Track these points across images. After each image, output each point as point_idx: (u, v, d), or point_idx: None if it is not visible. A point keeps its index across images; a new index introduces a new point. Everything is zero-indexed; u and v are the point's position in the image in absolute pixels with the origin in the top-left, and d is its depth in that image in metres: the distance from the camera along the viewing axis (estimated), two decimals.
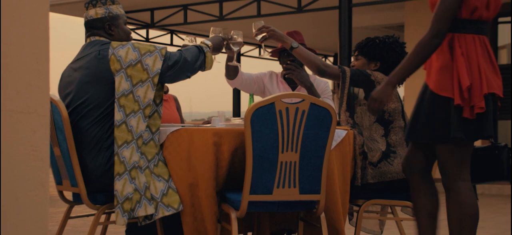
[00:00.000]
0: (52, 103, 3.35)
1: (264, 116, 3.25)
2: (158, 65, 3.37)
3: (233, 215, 3.32)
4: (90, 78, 3.39)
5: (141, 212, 3.29)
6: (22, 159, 2.01)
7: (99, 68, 3.37)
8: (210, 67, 3.58)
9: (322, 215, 3.46)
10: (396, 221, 4.21)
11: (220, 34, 3.79)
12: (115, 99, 3.33)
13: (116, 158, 3.30)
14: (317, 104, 3.32)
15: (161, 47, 3.44)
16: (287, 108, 3.27)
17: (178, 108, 4.91)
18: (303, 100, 3.31)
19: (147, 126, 3.39)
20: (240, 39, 3.87)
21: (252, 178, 3.27)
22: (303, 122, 3.31)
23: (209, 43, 3.62)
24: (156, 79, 3.36)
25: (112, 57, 3.36)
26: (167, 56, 3.41)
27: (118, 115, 3.32)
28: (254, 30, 4.06)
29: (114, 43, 3.42)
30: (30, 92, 2.03)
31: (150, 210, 3.30)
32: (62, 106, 3.34)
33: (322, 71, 3.97)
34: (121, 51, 3.37)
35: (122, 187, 3.27)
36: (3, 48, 1.97)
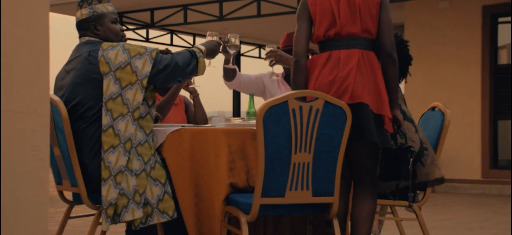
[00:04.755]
0: (52, 103, 3.35)
1: (277, 115, 3.14)
2: (148, 68, 3.34)
3: (243, 219, 3.19)
4: (81, 80, 3.38)
5: (127, 217, 3.27)
6: (22, 159, 2.01)
7: (89, 70, 3.36)
8: (202, 73, 3.54)
9: (335, 219, 3.34)
10: (396, 221, 4.21)
11: (216, 38, 3.75)
12: (103, 103, 3.31)
13: (102, 163, 3.29)
14: (331, 102, 3.21)
15: (152, 49, 3.40)
16: (301, 107, 3.16)
17: (187, 111, 4.85)
18: (317, 98, 3.20)
19: (141, 128, 3.38)
20: (237, 42, 3.87)
21: (264, 180, 3.15)
22: (317, 121, 3.19)
23: (202, 48, 3.58)
24: (144, 82, 3.33)
25: (101, 59, 3.34)
26: (157, 60, 3.38)
27: (105, 120, 3.30)
28: (264, 54, 4.33)
29: (105, 45, 3.39)
30: (30, 92, 2.03)
31: (138, 214, 3.28)
32: (62, 107, 3.34)
33: None
34: (110, 53, 3.35)
35: (106, 192, 3.26)
36: (3, 48, 1.97)
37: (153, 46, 3.47)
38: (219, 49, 3.74)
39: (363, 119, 3.30)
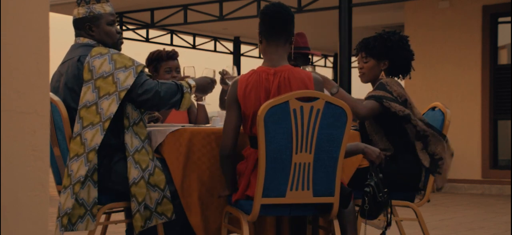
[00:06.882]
0: (52, 103, 3.34)
1: (277, 115, 3.12)
2: (130, 81, 3.27)
3: (244, 219, 3.20)
4: (71, 84, 3.35)
5: (81, 227, 3.24)
6: (22, 159, 2.01)
7: (79, 74, 3.33)
8: (185, 108, 3.44)
9: (335, 219, 3.33)
10: (396, 221, 4.20)
11: (211, 76, 3.64)
12: (77, 110, 3.27)
13: (65, 170, 3.25)
14: (332, 103, 3.20)
15: (139, 64, 3.34)
16: (302, 107, 3.14)
17: (190, 112, 4.83)
18: (318, 99, 3.18)
19: (136, 134, 3.35)
20: (235, 74, 3.89)
21: (265, 180, 3.15)
22: (318, 121, 3.17)
23: (192, 83, 3.48)
24: (122, 94, 3.26)
25: (86, 65, 3.30)
26: (139, 82, 3.29)
27: (76, 127, 3.26)
28: None
29: (94, 51, 3.33)
30: (30, 92, 2.03)
31: (91, 227, 3.24)
32: (62, 107, 3.33)
33: (361, 117, 3.91)
34: (96, 61, 3.29)
35: (64, 200, 3.22)
36: (3, 48, 1.97)
37: (145, 59, 3.41)
38: (212, 87, 3.63)
39: None
